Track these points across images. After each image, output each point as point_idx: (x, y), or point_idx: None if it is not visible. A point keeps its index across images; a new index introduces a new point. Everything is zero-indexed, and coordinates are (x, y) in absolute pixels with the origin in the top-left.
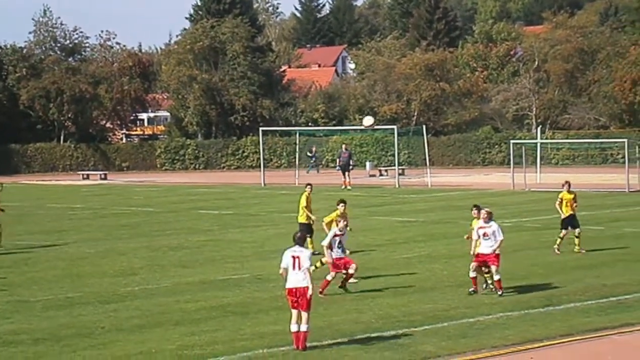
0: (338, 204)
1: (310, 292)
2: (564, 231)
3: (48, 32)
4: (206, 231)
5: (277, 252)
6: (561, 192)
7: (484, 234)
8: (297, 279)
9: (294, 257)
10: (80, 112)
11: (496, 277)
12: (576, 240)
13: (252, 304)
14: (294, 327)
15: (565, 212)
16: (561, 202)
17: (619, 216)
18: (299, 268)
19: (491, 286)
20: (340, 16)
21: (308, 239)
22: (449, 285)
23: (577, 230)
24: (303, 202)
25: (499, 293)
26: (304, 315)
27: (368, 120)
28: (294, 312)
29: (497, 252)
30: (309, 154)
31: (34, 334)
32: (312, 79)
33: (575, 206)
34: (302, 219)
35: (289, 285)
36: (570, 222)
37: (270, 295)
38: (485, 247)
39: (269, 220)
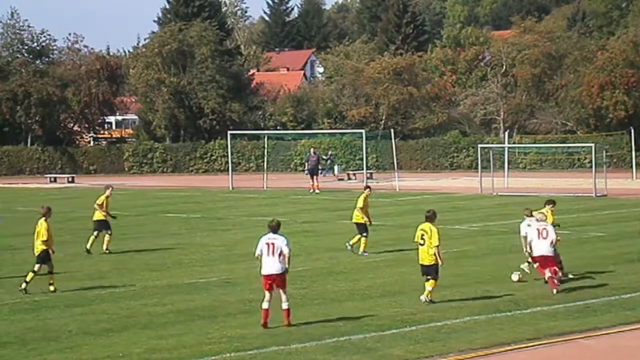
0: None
1: (285, 275)
2: None
3: (15, 34)
4: (174, 235)
5: (245, 255)
6: None
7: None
8: (272, 265)
9: (268, 244)
10: (48, 115)
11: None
12: None
13: (220, 308)
14: (265, 305)
15: None
16: None
17: (585, 221)
18: (273, 254)
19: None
20: (308, 20)
21: (362, 239)
22: (416, 289)
23: None
24: (360, 203)
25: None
26: (283, 294)
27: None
28: (267, 293)
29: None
30: (324, 157)
31: (1, 338)
32: (280, 83)
33: None
34: (356, 219)
35: (264, 271)
36: None
37: (238, 298)
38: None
39: (236, 224)
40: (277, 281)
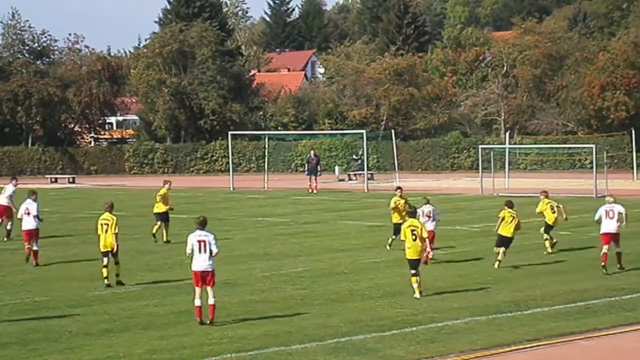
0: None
1: (214, 272)
2: None
3: (16, 35)
4: (174, 235)
5: (246, 256)
6: None
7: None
8: (204, 262)
9: (200, 241)
10: (49, 116)
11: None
12: None
13: (221, 309)
14: (197, 302)
15: None
16: None
17: (586, 221)
18: (205, 251)
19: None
20: (309, 21)
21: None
22: None
23: None
24: (391, 204)
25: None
26: (210, 290)
27: None
28: (198, 289)
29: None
30: (355, 157)
31: (1, 338)
32: (281, 83)
33: None
34: (395, 219)
35: (195, 268)
36: None
37: (239, 299)
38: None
39: (237, 224)
40: (208, 277)
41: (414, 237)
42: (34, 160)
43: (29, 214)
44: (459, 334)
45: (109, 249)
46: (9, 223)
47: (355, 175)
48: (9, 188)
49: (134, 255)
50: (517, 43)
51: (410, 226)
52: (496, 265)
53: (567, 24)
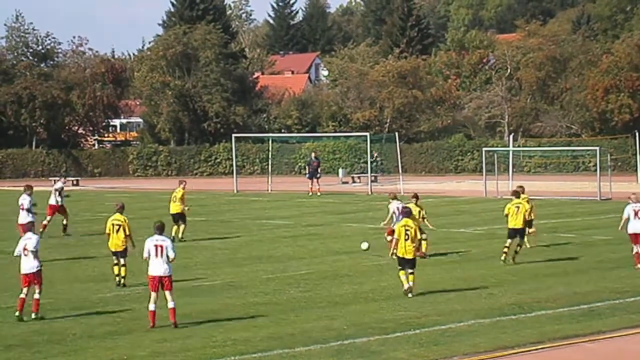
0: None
1: (172, 277)
2: None
3: (20, 37)
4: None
5: (249, 259)
6: None
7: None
8: (160, 267)
9: (156, 246)
10: (52, 118)
11: None
12: None
13: (224, 311)
14: (151, 307)
15: None
16: None
17: (590, 224)
18: (161, 255)
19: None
20: (313, 23)
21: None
22: (420, 292)
23: None
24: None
25: None
26: (169, 295)
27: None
28: (153, 294)
29: None
30: (370, 159)
31: (6, 341)
32: (285, 86)
33: None
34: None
35: (152, 272)
36: None
37: (242, 302)
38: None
39: (241, 227)
40: (165, 283)
41: (406, 236)
42: (37, 163)
43: (23, 208)
44: (463, 337)
45: (119, 250)
46: (64, 219)
47: (359, 177)
48: (58, 184)
49: (137, 257)
50: (520, 45)
51: (404, 225)
52: (502, 258)
53: (571, 27)
